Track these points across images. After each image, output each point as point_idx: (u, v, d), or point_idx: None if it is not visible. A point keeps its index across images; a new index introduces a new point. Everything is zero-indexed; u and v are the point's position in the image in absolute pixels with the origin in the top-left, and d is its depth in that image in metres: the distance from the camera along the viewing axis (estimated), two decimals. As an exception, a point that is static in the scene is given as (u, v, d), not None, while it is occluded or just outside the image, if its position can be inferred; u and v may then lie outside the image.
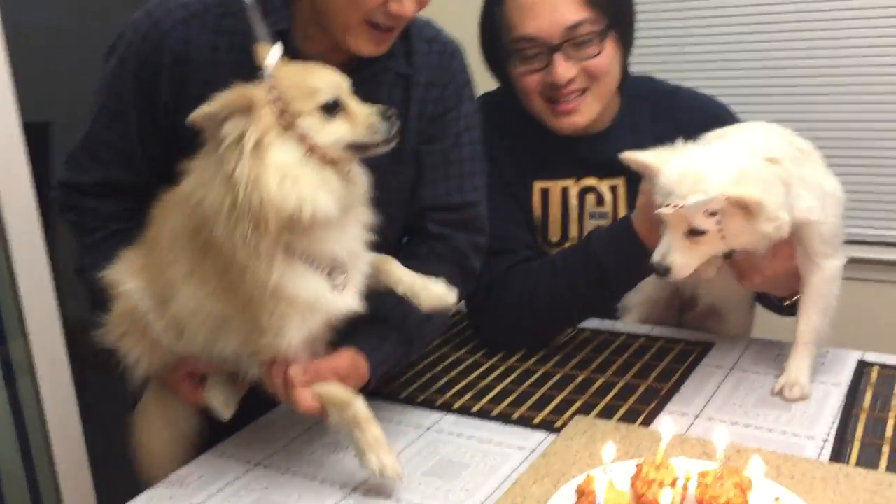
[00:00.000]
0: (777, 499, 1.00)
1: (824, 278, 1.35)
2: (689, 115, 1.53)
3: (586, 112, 1.55)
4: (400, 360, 1.32)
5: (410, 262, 1.33)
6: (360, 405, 1.14)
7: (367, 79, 1.28)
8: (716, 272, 1.36)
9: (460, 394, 1.44)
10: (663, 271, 1.25)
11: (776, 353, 1.50)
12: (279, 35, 1.23)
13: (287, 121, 1.03)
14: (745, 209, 1.19)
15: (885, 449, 1.19)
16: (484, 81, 1.60)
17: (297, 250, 1.07)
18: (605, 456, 1.02)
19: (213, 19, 1.26)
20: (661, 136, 1.33)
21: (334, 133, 1.06)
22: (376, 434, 1.13)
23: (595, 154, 1.58)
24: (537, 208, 1.64)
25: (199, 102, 1.22)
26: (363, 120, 1.08)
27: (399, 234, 1.44)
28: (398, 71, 1.32)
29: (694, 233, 1.22)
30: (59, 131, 3.15)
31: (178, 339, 1.18)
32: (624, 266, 1.44)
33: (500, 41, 1.54)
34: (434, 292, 1.19)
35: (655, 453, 1.08)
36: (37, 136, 3.16)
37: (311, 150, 1.05)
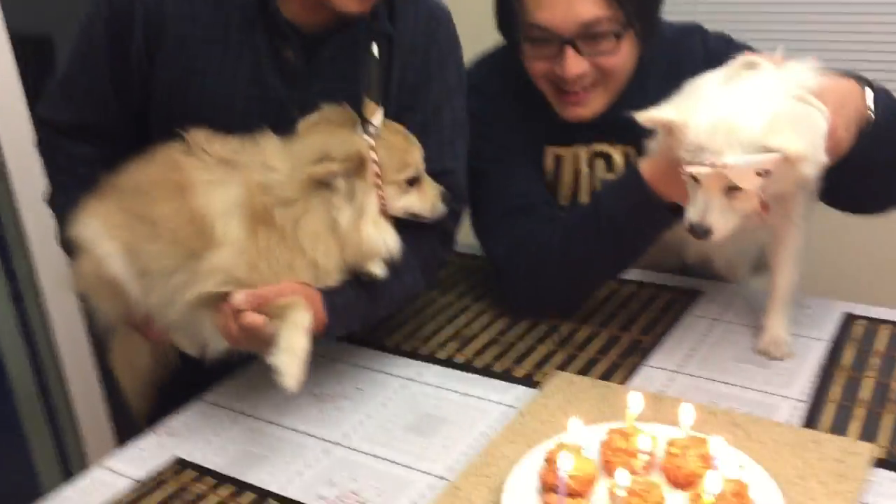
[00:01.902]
0: (741, 467, 1.02)
1: (800, 233, 1.34)
2: (695, 63, 1.38)
3: (593, 105, 1.47)
4: (363, 314, 1.28)
5: None
6: (303, 312, 1.13)
7: (349, 41, 1.26)
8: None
9: (445, 343, 1.46)
10: (703, 233, 1.18)
11: (763, 303, 1.50)
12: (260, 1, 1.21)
13: (378, 182, 1.21)
14: (787, 159, 1.11)
15: (859, 412, 1.21)
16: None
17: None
18: (571, 428, 1.04)
19: None
20: (669, 90, 1.27)
21: (407, 202, 1.27)
22: (303, 344, 1.11)
23: (607, 119, 1.50)
24: (549, 173, 1.59)
25: (174, 56, 1.27)
26: (430, 198, 1.29)
27: None
28: (382, 31, 1.29)
29: (733, 188, 1.15)
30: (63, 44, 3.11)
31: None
32: (639, 219, 1.36)
33: (513, 20, 1.46)
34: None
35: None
36: (37, 51, 3.13)
37: (384, 207, 1.23)
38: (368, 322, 1.32)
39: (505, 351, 1.42)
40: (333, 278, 1.21)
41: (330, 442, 1.22)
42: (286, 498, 1.11)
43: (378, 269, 1.23)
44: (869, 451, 1.10)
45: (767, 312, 1.39)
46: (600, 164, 1.57)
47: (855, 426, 1.18)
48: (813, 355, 1.35)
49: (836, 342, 1.38)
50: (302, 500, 1.11)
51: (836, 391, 1.26)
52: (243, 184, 1.18)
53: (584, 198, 1.60)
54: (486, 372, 1.37)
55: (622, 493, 0.93)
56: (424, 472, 1.15)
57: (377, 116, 1.21)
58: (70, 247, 1.26)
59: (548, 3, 1.39)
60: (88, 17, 1.31)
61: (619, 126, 1.41)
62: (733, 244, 1.51)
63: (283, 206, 1.16)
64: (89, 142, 1.38)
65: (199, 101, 1.28)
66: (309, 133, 1.22)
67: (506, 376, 1.35)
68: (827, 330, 1.42)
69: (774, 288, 1.39)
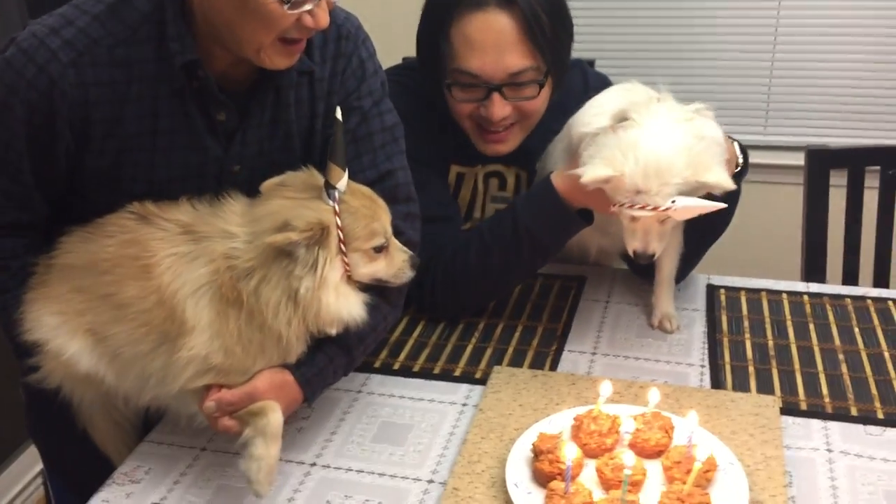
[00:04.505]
0: (692, 431, 1.19)
1: (680, 231, 1.54)
2: (577, 96, 1.55)
3: (511, 142, 1.61)
4: (341, 368, 1.30)
5: None
6: (274, 418, 1.16)
7: (274, 86, 1.26)
8: None
9: (375, 351, 1.52)
10: (648, 258, 1.35)
11: (638, 283, 1.71)
12: (190, 65, 1.18)
13: (343, 249, 1.17)
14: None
15: (751, 370, 1.44)
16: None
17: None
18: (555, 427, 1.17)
19: (105, 52, 1.16)
20: (555, 120, 1.47)
21: (373, 269, 1.22)
22: (273, 454, 1.15)
23: None
24: (450, 188, 1.71)
25: (105, 142, 1.21)
26: (397, 263, 1.25)
27: None
28: (303, 70, 1.28)
29: (666, 219, 1.32)
30: None
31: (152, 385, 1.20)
32: (554, 227, 1.49)
33: (441, 64, 1.54)
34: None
35: (576, 398, 1.31)
36: None
37: (347, 274, 1.19)
38: (350, 371, 1.34)
39: (437, 353, 1.51)
40: (299, 349, 1.21)
41: (306, 464, 1.26)
42: (292, 526, 1.15)
43: (335, 331, 1.21)
44: (774, 402, 1.33)
45: (656, 293, 1.60)
46: (494, 183, 1.72)
47: (753, 382, 1.41)
48: (697, 326, 1.58)
49: (710, 311, 1.62)
50: (307, 526, 1.15)
51: (726, 355, 1.49)
52: (209, 259, 1.14)
53: (476, 212, 1.74)
54: (428, 375, 1.45)
55: (628, 472, 1.07)
56: (413, 479, 1.22)
57: (342, 181, 1.17)
58: (24, 349, 1.21)
59: (479, 53, 1.50)
60: None
61: (516, 152, 1.62)
62: (610, 239, 1.70)
63: (245, 279, 1.14)
64: (13, 236, 1.26)
65: (134, 176, 1.22)
66: (271, 196, 1.19)
67: (448, 376, 1.45)
68: (700, 301, 1.66)
69: (661, 272, 1.59)
